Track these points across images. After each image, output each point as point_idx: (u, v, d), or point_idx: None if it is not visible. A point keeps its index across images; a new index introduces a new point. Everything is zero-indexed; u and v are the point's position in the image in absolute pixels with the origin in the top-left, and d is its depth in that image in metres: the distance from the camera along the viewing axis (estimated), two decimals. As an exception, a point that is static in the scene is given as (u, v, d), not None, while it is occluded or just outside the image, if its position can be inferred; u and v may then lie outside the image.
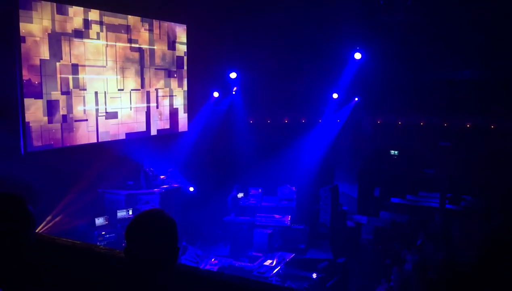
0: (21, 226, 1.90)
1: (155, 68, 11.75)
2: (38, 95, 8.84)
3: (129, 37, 10.88)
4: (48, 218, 9.08)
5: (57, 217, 9.23)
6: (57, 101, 9.19)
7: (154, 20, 11.57)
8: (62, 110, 9.35)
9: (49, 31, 8.94)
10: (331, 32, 12.48)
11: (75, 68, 9.54)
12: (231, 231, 11.50)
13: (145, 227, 1.80)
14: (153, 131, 11.85)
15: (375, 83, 13.45)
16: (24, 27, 8.46)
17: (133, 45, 11.00)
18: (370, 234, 12.90)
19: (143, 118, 11.49)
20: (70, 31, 9.37)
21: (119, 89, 10.71)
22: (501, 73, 12.27)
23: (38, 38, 8.73)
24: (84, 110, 9.86)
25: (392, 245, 11.10)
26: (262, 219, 11.56)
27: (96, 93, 10.08)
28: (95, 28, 9.95)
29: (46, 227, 9.00)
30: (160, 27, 11.83)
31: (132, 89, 11.10)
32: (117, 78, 10.62)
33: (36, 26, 8.67)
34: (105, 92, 10.32)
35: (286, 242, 11.41)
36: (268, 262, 9.72)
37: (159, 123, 12.05)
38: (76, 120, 9.67)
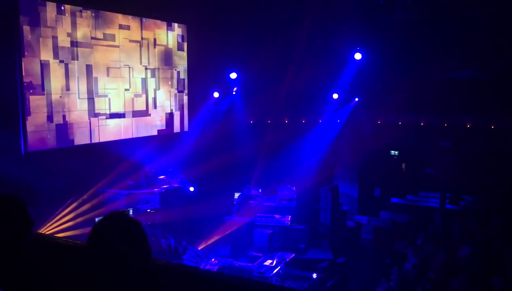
0: (19, 228, 1.90)
1: (155, 68, 11.75)
2: (39, 95, 8.84)
3: (129, 38, 10.87)
4: (48, 218, 9.09)
5: (58, 217, 9.24)
6: (57, 101, 9.19)
7: (154, 20, 11.58)
8: (63, 111, 9.35)
9: (50, 31, 8.94)
10: (331, 32, 12.49)
11: (75, 68, 9.54)
12: (232, 231, 11.51)
13: (108, 237, 1.74)
14: (153, 132, 11.85)
15: (375, 83, 13.45)
16: (25, 28, 8.46)
17: (133, 45, 11.00)
18: (370, 234, 12.90)
19: (143, 118, 11.49)
20: (69, 31, 9.37)
21: (119, 89, 10.70)
22: (501, 73, 12.27)
23: (38, 38, 8.73)
24: (85, 111, 9.86)
25: (392, 245, 11.10)
26: (262, 219, 11.56)
27: (96, 93, 10.09)
28: (95, 28, 9.95)
29: (46, 227, 9.00)
30: (160, 27, 11.83)
31: (132, 90, 11.10)
32: (117, 78, 10.62)
33: (36, 23, 8.67)
34: (105, 92, 10.32)
35: (286, 242, 11.40)
36: (268, 262, 9.72)
37: (159, 124, 12.06)
38: (76, 121, 9.67)
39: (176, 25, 12.31)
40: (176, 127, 12.64)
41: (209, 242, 11.53)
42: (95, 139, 10.15)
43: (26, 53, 8.51)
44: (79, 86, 9.68)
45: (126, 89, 10.90)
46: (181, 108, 12.76)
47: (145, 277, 1.76)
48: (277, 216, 11.63)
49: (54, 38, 9.04)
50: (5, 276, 1.85)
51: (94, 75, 9.99)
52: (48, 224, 9.07)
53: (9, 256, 1.86)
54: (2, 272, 1.85)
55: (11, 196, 1.93)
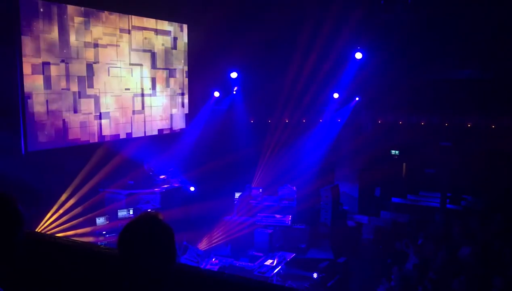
0: (9, 225, 1.89)
1: (156, 68, 11.75)
2: (39, 94, 8.84)
3: (130, 37, 10.87)
4: (48, 217, 9.09)
5: (57, 216, 9.25)
6: (57, 101, 9.20)
7: (155, 20, 11.57)
8: (63, 110, 9.35)
9: (50, 31, 8.94)
10: (332, 31, 12.47)
11: (75, 68, 9.54)
12: (232, 231, 11.51)
13: (139, 236, 1.75)
14: (154, 131, 11.85)
15: (375, 83, 13.44)
16: (25, 28, 8.46)
17: (134, 45, 11.00)
18: (370, 233, 12.87)
19: (144, 118, 11.49)
20: (70, 31, 9.37)
21: (120, 89, 10.70)
22: (501, 73, 12.26)
23: (38, 38, 8.73)
24: (85, 110, 9.86)
25: (393, 244, 11.09)
26: (263, 218, 11.56)
27: (97, 92, 10.09)
28: (95, 28, 9.95)
29: (46, 226, 9.01)
30: (161, 27, 11.82)
31: (132, 89, 11.10)
32: (117, 77, 10.62)
33: (36, 23, 8.67)
34: (105, 92, 10.32)
35: (286, 242, 11.40)
36: (268, 262, 9.71)
37: (160, 123, 12.05)
38: (76, 120, 9.67)
39: (176, 24, 12.31)
40: (177, 127, 12.64)
41: (210, 242, 11.54)
42: (95, 139, 10.15)
43: (26, 53, 8.51)
44: (79, 86, 9.68)
45: (126, 89, 10.89)
46: (181, 108, 12.76)
47: (145, 277, 1.76)
48: (277, 216, 11.63)
49: (54, 38, 9.04)
50: (4, 275, 1.85)
51: (94, 74, 9.99)
52: (48, 224, 9.07)
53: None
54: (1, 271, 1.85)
55: (1, 194, 1.92)
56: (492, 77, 12.58)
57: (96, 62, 10.03)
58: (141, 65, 11.26)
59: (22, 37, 8.42)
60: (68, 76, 9.38)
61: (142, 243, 1.73)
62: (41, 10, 8.76)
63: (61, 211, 9.27)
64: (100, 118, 10.23)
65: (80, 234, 9.34)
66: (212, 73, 13.02)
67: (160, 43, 11.80)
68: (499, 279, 7.61)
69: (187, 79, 12.84)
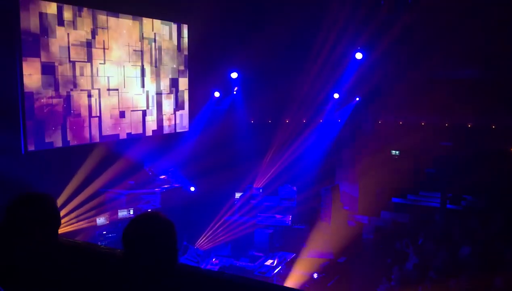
0: (52, 224, 1.95)
1: (156, 68, 11.75)
2: (39, 94, 8.84)
3: (131, 37, 10.87)
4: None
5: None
6: (57, 100, 9.20)
7: (155, 20, 11.57)
8: (63, 110, 9.35)
9: (49, 31, 8.94)
10: (332, 32, 12.48)
11: (75, 68, 9.54)
12: (233, 231, 11.52)
13: (142, 231, 1.77)
14: (154, 131, 11.85)
15: (376, 83, 13.44)
16: (25, 28, 8.46)
17: (134, 45, 11.00)
18: (371, 233, 12.89)
19: (144, 118, 11.49)
20: (69, 31, 9.37)
21: (120, 89, 10.70)
22: (502, 73, 12.25)
23: (38, 38, 8.73)
24: (85, 110, 9.86)
25: (393, 244, 11.10)
26: (263, 218, 11.57)
27: (97, 92, 10.09)
28: (96, 28, 9.95)
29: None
30: (162, 27, 11.83)
31: (132, 89, 11.10)
32: (118, 77, 10.62)
33: (36, 24, 8.67)
34: (106, 91, 10.32)
35: (287, 242, 11.41)
36: (269, 262, 9.73)
37: (160, 123, 12.05)
38: (76, 120, 9.68)
39: (177, 25, 12.31)
40: (177, 127, 12.64)
41: (210, 242, 11.54)
42: (96, 139, 10.15)
43: (26, 53, 8.51)
44: (78, 86, 9.68)
45: (126, 89, 10.89)
46: (181, 108, 12.76)
47: (146, 277, 1.76)
48: (278, 216, 11.64)
49: (54, 38, 9.04)
50: (7, 275, 1.86)
51: (93, 74, 9.99)
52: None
53: (35, 253, 1.90)
54: (5, 270, 1.86)
55: (44, 195, 1.98)
56: (492, 77, 12.57)
57: (96, 61, 10.02)
58: (141, 65, 11.26)
59: (22, 37, 8.42)
60: (68, 76, 9.38)
61: (145, 238, 1.75)
62: (41, 10, 8.76)
63: (61, 211, 9.27)
64: (100, 118, 10.23)
65: (80, 234, 9.34)
66: (212, 73, 13.02)
67: (160, 43, 11.80)
68: (499, 279, 7.61)
69: (187, 79, 12.84)
